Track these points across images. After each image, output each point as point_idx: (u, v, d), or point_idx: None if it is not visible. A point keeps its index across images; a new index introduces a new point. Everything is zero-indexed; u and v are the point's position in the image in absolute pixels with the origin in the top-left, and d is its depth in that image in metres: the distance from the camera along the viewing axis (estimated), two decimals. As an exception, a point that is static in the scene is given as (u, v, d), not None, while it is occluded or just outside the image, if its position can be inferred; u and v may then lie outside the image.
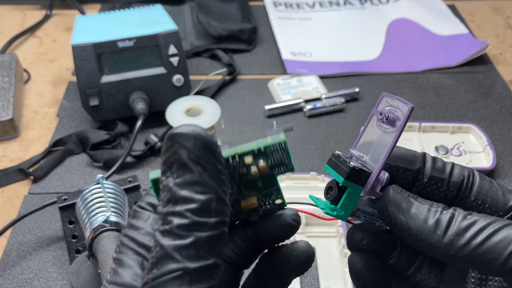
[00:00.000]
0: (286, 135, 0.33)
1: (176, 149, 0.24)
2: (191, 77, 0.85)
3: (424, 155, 0.30)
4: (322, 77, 0.90)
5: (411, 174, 0.29)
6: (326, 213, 0.29)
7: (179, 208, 0.23)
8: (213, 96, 0.85)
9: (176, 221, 0.23)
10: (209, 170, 0.24)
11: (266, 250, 0.31)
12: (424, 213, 0.27)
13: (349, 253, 0.31)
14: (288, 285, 0.31)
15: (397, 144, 0.29)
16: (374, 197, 0.29)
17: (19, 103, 0.84)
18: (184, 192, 0.23)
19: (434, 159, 0.30)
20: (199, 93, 0.84)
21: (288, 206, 0.30)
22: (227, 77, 0.90)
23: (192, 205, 0.23)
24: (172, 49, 0.78)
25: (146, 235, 0.26)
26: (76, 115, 0.83)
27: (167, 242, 0.23)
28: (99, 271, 0.56)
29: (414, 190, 0.29)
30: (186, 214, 0.23)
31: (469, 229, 0.25)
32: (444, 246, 0.26)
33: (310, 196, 0.31)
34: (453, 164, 0.29)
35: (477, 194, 0.28)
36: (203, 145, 0.24)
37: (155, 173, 0.26)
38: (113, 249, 0.51)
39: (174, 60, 0.78)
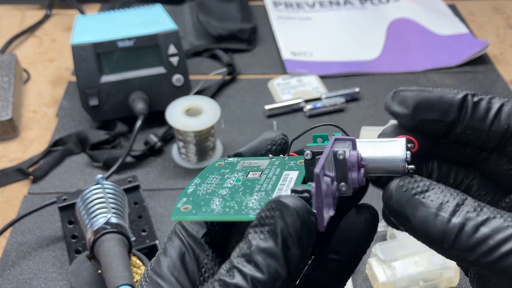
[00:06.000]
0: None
1: (276, 217, 0.23)
2: (191, 77, 0.85)
3: (463, 100, 0.26)
4: (322, 77, 0.90)
5: (444, 125, 0.26)
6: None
7: (246, 270, 0.22)
8: (213, 96, 0.85)
9: (237, 280, 0.22)
10: (293, 252, 0.23)
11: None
12: (430, 221, 0.24)
13: None
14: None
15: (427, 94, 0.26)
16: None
17: (19, 103, 0.84)
18: (259, 258, 0.22)
19: (476, 104, 0.26)
20: (199, 93, 0.84)
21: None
22: (227, 77, 0.89)
23: (258, 275, 0.22)
24: (172, 49, 0.77)
25: (199, 227, 0.26)
26: (75, 115, 0.83)
27: None
28: (99, 272, 0.56)
29: (447, 139, 0.27)
30: (249, 281, 0.22)
31: (480, 245, 0.22)
32: (451, 257, 0.24)
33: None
34: (501, 106, 0.25)
35: None
36: (301, 227, 0.23)
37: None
38: (117, 252, 0.51)
39: (174, 60, 0.78)
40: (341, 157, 0.26)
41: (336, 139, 0.27)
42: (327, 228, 0.25)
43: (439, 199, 0.24)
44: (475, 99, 0.26)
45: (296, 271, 0.23)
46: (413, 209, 0.24)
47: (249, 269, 0.22)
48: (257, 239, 0.23)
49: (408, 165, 0.26)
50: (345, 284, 0.28)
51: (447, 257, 0.24)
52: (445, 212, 0.23)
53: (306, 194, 0.24)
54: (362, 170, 0.26)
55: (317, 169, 0.23)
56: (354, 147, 0.27)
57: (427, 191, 0.24)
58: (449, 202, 0.23)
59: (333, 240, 0.28)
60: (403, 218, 0.24)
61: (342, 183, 0.26)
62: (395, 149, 0.26)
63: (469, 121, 0.25)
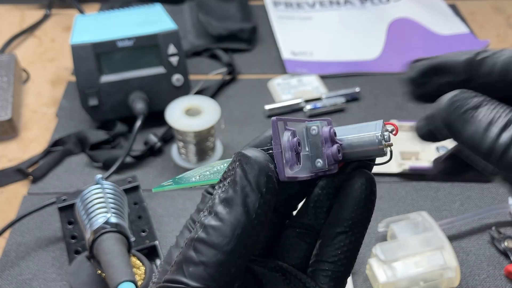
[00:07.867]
0: None
1: (236, 167, 0.24)
2: (191, 77, 0.85)
3: (469, 60, 0.27)
4: (322, 77, 0.90)
5: (455, 85, 0.27)
6: None
7: (206, 221, 0.23)
8: (213, 96, 0.85)
9: (199, 233, 0.23)
10: (251, 198, 0.23)
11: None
12: (479, 136, 0.24)
13: None
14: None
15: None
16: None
17: (18, 103, 0.84)
18: (219, 208, 0.23)
19: (481, 62, 0.27)
20: (198, 93, 0.84)
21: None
22: (227, 77, 0.89)
23: (214, 223, 0.23)
24: (172, 49, 0.77)
25: None
26: (75, 115, 0.83)
27: (185, 250, 0.23)
28: (99, 272, 0.56)
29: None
30: (210, 232, 0.23)
31: None
32: (499, 168, 0.24)
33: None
34: (506, 58, 0.26)
35: None
36: (259, 174, 0.23)
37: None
38: (117, 250, 0.51)
39: (174, 60, 0.78)
40: (314, 131, 0.26)
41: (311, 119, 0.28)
42: (300, 181, 0.25)
43: (490, 115, 0.24)
44: (480, 57, 0.27)
45: (257, 218, 0.23)
46: (463, 125, 0.24)
47: (208, 220, 0.23)
48: (219, 192, 0.24)
49: (386, 143, 0.26)
50: (355, 259, 0.28)
51: (495, 167, 0.24)
52: (496, 127, 0.24)
53: (270, 151, 0.25)
54: (335, 146, 0.26)
55: (274, 118, 0.24)
56: (329, 124, 0.27)
57: (479, 107, 0.24)
58: (500, 118, 0.24)
59: (333, 213, 0.28)
60: (454, 132, 0.25)
61: (318, 159, 0.26)
62: (371, 127, 0.27)
63: (478, 78, 0.26)
